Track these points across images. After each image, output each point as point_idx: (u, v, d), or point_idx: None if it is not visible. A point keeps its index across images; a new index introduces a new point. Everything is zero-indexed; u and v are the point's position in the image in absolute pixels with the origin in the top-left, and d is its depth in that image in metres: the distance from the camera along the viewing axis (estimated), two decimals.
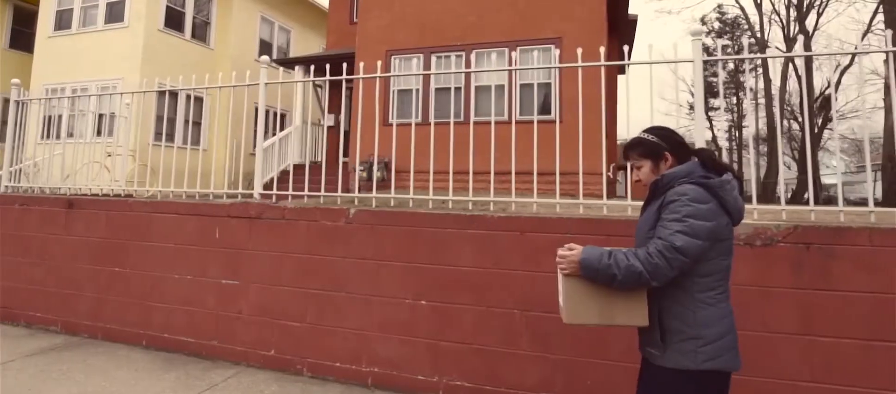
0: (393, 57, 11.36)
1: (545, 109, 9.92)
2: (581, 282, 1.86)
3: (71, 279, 5.13)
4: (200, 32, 14.66)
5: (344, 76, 4.63)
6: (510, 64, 9.75)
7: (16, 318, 5.37)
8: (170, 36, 13.64)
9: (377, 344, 3.96)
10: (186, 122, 13.55)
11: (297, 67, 12.68)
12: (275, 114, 12.57)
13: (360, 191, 9.29)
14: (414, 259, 3.91)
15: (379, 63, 4.52)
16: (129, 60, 12.95)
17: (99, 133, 14.54)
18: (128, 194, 5.61)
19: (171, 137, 11.66)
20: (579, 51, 4.21)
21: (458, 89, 10.15)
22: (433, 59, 11.03)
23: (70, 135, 14.47)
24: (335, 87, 13.53)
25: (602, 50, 4.15)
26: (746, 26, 23.73)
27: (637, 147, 2.05)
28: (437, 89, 10.57)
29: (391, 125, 10.26)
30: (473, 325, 3.74)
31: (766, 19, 22.34)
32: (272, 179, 11.15)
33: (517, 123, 4.41)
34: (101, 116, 13.96)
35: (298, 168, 11.55)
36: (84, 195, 5.33)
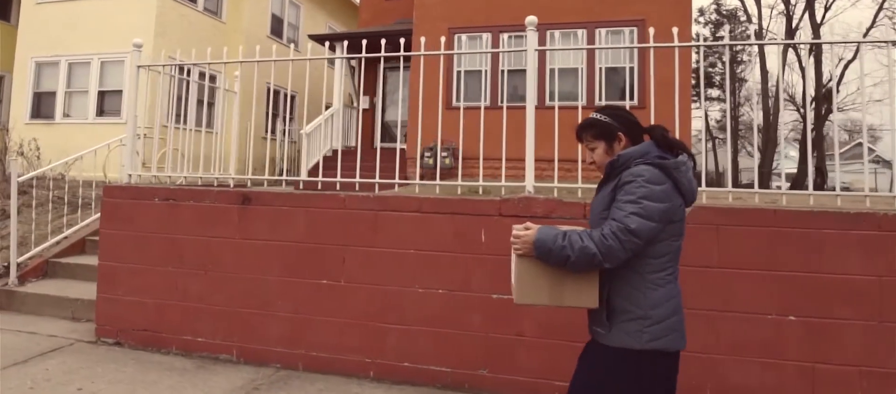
0: (456, 35, 10.51)
1: (632, 93, 9.40)
2: (534, 262, 1.83)
3: (251, 295, 4.07)
4: (212, 4, 13.08)
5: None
6: (592, 43, 9.20)
7: (165, 343, 4.23)
8: (182, 6, 12.05)
9: (729, 369, 3.27)
10: (202, 103, 12.01)
11: (336, 44, 11.51)
12: (285, 95, 11.35)
13: (422, 179, 8.43)
14: (776, 266, 3.24)
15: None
16: (139, 31, 11.21)
17: (100, 113, 12.77)
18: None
19: (178, 118, 10.18)
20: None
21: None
22: (501, 38, 10.26)
23: (66, 114, 12.61)
24: (369, 69, 12.54)
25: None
26: (744, 18, 24.23)
27: (590, 128, 1.98)
28: (506, 71, 9.83)
29: (454, 109, 9.56)
30: (862, 344, 3.13)
31: (767, 12, 22.81)
32: (317, 165, 10.16)
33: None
34: (101, 93, 12.26)
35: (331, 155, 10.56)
36: (260, 187, 4.25)
